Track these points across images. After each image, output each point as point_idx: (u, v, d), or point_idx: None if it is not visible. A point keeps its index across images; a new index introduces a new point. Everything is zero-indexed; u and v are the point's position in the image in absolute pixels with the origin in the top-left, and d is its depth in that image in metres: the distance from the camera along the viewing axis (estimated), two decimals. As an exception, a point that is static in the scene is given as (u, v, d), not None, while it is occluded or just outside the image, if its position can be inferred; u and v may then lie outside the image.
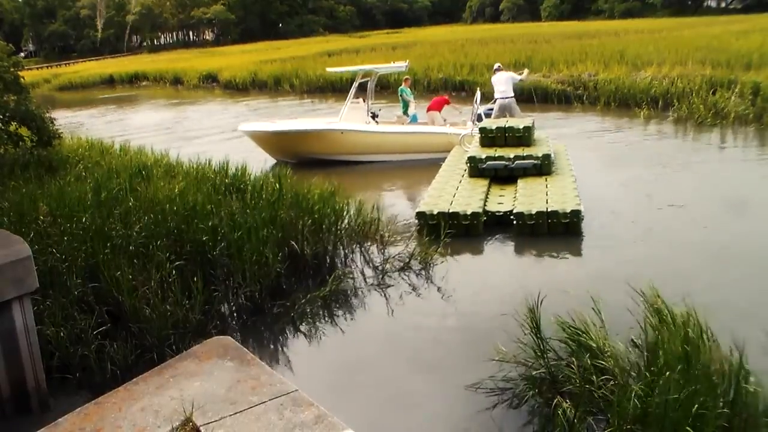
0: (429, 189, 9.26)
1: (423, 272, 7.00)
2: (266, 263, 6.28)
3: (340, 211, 7.67)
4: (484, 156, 9.63)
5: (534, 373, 4.45)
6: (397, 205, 9.74)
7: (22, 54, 74.77)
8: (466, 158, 9.89)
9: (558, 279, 6.52)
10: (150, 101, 30.29)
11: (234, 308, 6.23)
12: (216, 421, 3.39)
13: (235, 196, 7.88)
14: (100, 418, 3.50)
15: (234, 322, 6.09)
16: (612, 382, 4.02)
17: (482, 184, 9.28)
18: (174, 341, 5.34)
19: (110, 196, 7.21)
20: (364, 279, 6.94)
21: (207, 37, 77.00)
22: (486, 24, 65.64)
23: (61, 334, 5.01)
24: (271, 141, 13.02)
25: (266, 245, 6.43)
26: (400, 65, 13.26)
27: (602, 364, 4.18)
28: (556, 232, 7.81)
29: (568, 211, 7.80)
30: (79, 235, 6.11)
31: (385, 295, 6.56)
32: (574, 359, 4.35)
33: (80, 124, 19.90)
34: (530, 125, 10.35)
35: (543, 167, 9.39)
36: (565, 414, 3.88)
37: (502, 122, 10.72)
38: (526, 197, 8.46)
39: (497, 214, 8.25)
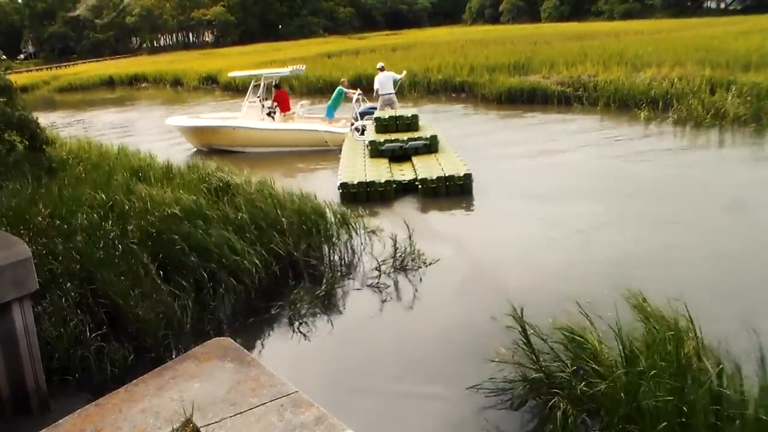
0: (340, 168, 10.96)
1: (418, 272, 7.00)
2: (261, 264, 6.31)
3: (323, 210, 7.74)
4: (382, 140, 11.77)
5: (534, 375, 4.45)
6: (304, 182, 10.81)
7: (22, 55, 74.85)
8: (366, 143, 12.00)
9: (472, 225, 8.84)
10: (127, 103, 30.28)
11: (232, 309, 6.24)
12: (216, 422, 3.39)
13: (228, 197, 7.90)
14: (101, 420, 3.50)
15: (232, 323, 6.09)
16: (602, 383, 4.02)
17: (383, 162, 11.30)
18: (173, 342, 5.35)
19: (107, 198, 7.22)
20: (361, 279, 6.94)
21: (207, 39, 77.00)
22: (486, 25, 65.64)
23: (61, 334, 5.01)
24: (187, 133, 15.57)
25: (259, 246, 6.45)
26: (298, 68, 16.34)
27: (593, 364, 4.19)
28: (453, 192, 9.76)
29: (462, 174, 9.83)
30: (76, 236, 6.12)
31: (381, 294, 6.56)
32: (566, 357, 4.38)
33: (53, 125, 20.01)
34: (416, 114, 12.87)
35: (432, 146, 11.57)
36: (563, 414, 3.89)
37: (392, 112, 13.26)
38: (423, 168, 10.44)
39: (403, 182, 10.18)
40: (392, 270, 7.01)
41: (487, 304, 5.77)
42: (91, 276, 5.66)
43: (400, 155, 11.54)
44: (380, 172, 10.52)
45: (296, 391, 3.61)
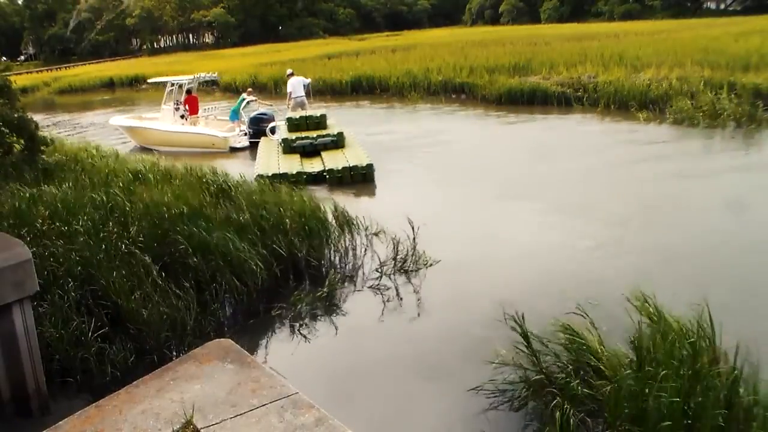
0: (256, 162, 12.34)
1: (418, 273, 6.99)
2: (261, 266, 6.31)
3: (323, 212, 7.76)
4: (294, 137, 13.19)
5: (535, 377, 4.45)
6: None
7: (22, 57, 74.83)
8: (279, 140, 13.32)
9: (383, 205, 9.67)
10: (117, 104, 30.21)
11: (232, 310, 6.24)
12: (217, 423, 3.39)
13: (226, 200, 7.90)
14: (101, 421, 3.50)
15: (233, 325, 6.09)
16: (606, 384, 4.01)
17: (295, 157, 12.61)
18: (173, 344, 5.34)
19: (107, 200, 7.22)
20: (361, 280, 6.94)
21: (207, 40, 77.00)
22: (486, 26, 65.68)
23: (62, 336, 5.01)
24: (124, 132, 17.37)
25: (260, 247, 6.47)
26: (208, 75, 17.97)
27: (597, 364, 4.18)
28: (357, 180, 11.06)
29: (364, 165, 11.20)
30: (76, 238, 6.12)
31: (381, 296, 6.56)
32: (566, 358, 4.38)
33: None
34: (324, 114, 14.46)
35: (339, 141, 12.96)
36: (564, 415, 3.88)
37: (303, 113, 14.86)
38: (331, 161, 11.80)
39: (312, 173, 11.34)
40: (393, 271, 7.00)
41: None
42: (91, 277, 5.66)
43: (310, 151, 12.86)
44: (292, 165, 11.77)
45: (296, 393, 3.61)
